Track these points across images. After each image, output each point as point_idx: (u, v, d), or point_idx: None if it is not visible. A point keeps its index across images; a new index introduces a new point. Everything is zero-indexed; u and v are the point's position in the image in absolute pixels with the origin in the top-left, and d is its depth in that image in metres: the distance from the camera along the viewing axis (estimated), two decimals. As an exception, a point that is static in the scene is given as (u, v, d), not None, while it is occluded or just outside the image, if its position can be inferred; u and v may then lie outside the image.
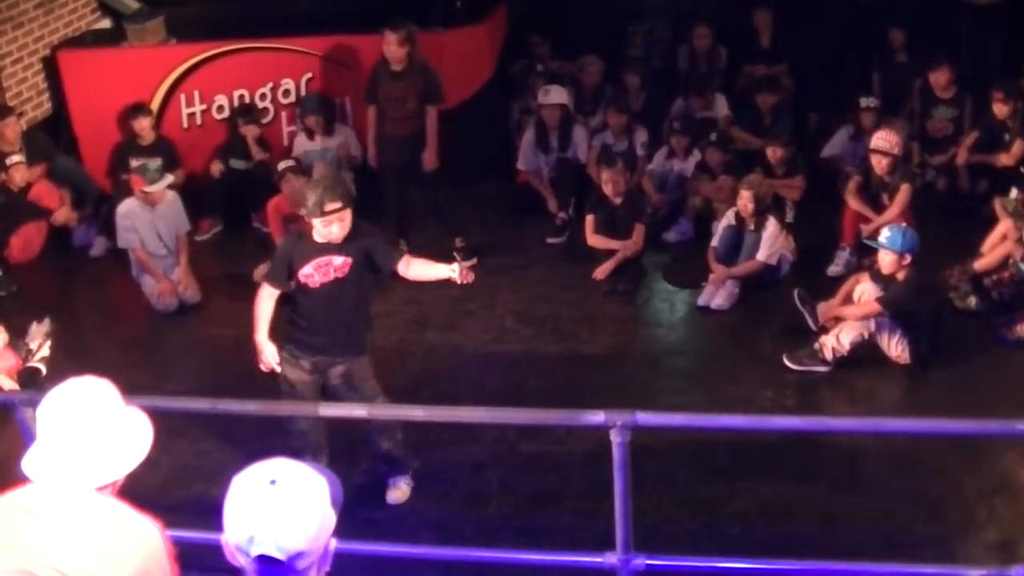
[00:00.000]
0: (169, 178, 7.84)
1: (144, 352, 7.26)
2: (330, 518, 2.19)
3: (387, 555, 4.77)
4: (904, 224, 6.70)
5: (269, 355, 5.24)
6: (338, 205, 4.90)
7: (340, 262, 5.06)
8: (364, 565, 4.51)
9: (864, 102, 8.53)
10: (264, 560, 2.13)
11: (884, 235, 6.43)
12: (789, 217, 8.06)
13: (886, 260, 6.41)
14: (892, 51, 9.52)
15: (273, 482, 2.14)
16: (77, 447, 2.67)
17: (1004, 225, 7.17)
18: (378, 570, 4.67)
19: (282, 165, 7.80)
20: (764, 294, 7.37)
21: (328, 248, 5.05)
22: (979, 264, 7.05)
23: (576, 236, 8.13)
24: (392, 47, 7.61)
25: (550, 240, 8.42)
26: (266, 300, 5.25)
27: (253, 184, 8.71)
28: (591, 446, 5.33)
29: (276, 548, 2.11)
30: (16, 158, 8.45)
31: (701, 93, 9.22)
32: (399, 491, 5.50)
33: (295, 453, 5.04)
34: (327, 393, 5.26)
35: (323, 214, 4.90)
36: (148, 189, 7.64)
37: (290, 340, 5.26)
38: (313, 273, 5.08)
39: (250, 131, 8.98)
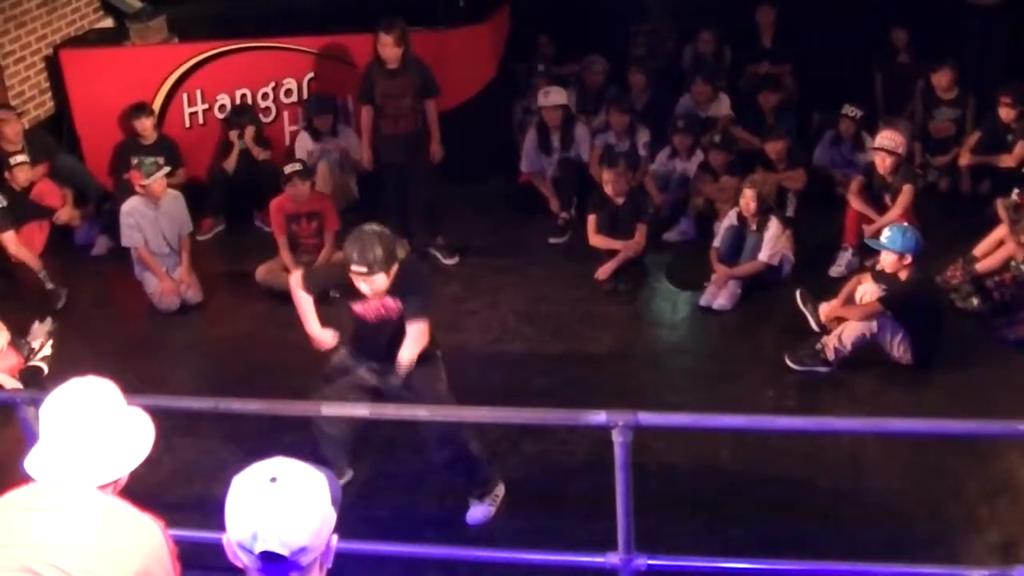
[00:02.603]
0: (165, 169, 7.82)
1: (146, 351, 7.26)
2: (331, 514, 2.21)
3: (388, 554, 4.78)
4: (906, 224, 6.70)
5: (327, 338, 5.23)
6: (363, 270, 4.76)
7: (391, 303, 5.00)
8: (365, 564, 4.52)
9: (846, 110, 8.55)
10: (268, 557, 2.13)
11: (884, 235, 6.43)
12: (790, 210, 8.06)
13: (887, 260, 6.40)
14: (895, 52, 9.53)
15: (274, 479, 2.15)
16: (79, 446, 2.68)
17: (1003, 229, 7.16)
18: (379, 569, 4.68)
19: (288, 169, 7.78)
20: (766, 294, 7.37)
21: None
22: (981, 266, 7.04)
23: (578, 236, 8.13)
24: (389, 48, 7.65)
25: (552, 240, 8.42)
26: (304, 295, 5.22)
27: (256, 183, 8.72)
28: (593, 446, 5.33)
29: (280, 544, 2.12)
30: (20, 158, 8.45)
31: (709, 81, 9.21)
32: (478, 510, 5.34)
33: (322, 461, 5.09)
34: (384, 397, 5.18)
35: (350, 271, 4.82)
36: (144, 182, 7.65)
37: (350, 342, 5.25)
38: (364, 312, 5.05)
39: (235, 135, 8.99)
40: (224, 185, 8.99)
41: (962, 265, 7.10)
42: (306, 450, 5.42)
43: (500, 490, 5.39)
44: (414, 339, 4.95)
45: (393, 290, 4.92)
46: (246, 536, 2.14)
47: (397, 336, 5.01)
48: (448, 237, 8.18)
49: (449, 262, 8.11)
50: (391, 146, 7.90)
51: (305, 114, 9.17)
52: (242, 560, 2.18)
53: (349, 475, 5.40)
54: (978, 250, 7.20)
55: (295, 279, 5.29)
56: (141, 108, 8.93)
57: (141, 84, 9.21)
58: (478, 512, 5.32)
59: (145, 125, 8.88)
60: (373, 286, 4.83)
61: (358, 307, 5.05)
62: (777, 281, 7.45)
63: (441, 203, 8.19)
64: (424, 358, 5.06)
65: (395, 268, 4.84)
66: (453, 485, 5.38)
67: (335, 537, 2.25)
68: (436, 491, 5.54)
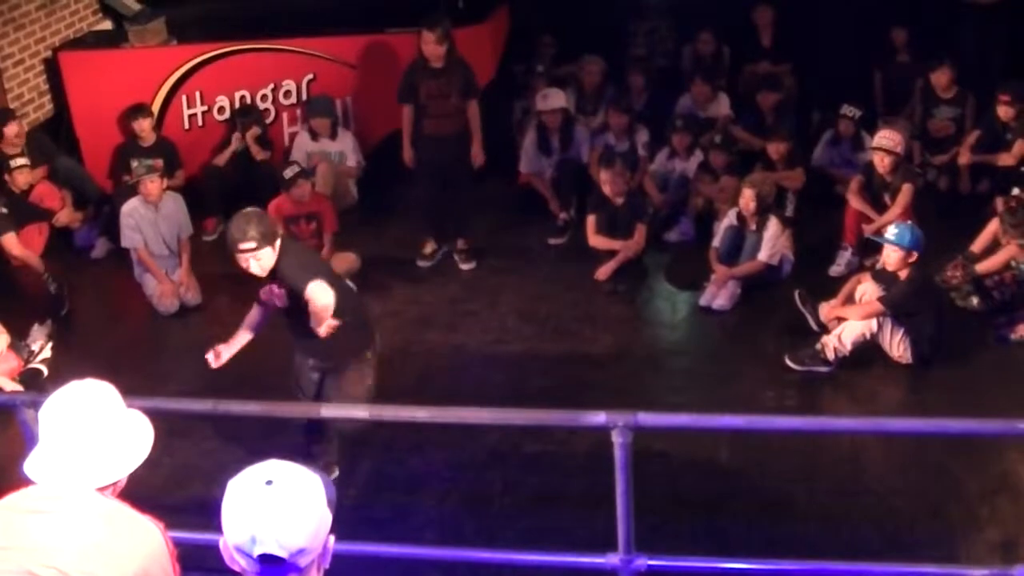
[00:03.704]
0: (156, 172, 7.81)
1: (145, 353, 7.26)
2: (327, 515, 2.21)
3: (388, 555, 4.78)
4: (909, 222, 6.70)
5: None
6: (251, 245, 4.90)
7: (277, 290, 5.11)
8: (365, 565, 4.52)
9: (845, 110, 8.55)
10: (266, 560, 2.14)
11: (892, 232, 6.43)
12: (789, 210, 8.07)
13: (892, 257, 6.39)
14: (894, 50, 9.52)
15: (269, 482, 2.16)
16: (79, 449, 2.68)
17: (996, 223, 7.16)
18: (379, 570, 4.68)
19: (289, 172, 7.75)
20: (766, 294, 7.36)
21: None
22: (982, 267, 7.04)
23: (578, 236, 8.13)
24: (431, 45, 7.56)
25: (552, 240, 8.42)
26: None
27: (256, 184, 8.72)
28: (592, 446, 5.33)
29: (278, 546, 2.12)
30: (21, 161, 8.45)
31: (708, 80, 9.21)
32: None
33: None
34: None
35: (237, 251, 4.94)
36: (131, 180, 7.67)
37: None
38: (263, 298, 5.20)
39: (237, 137, 9.00)
40: (218, 181, 8.97)
41: (962, 265, 7.10)
42: (305, 451, 5.44)
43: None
44: (314, 315, 5.04)
45: (278, 275, 5.02)
46: (244, 539, 2.14)
47: (302, 322, 5.12)
48: (470, 241, 8.14)
49: (466, 267, 8.05)
50: (432, 145, 7.80)
51: (304, 116, 9.17)
52: (240, 564, 2.19)
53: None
54: (975, 246, 7.21)
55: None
56: (139, 109, 8.93)
57: (140, 86, 9.21)
58: None
59: (143, 126, 8.89)
60: (261, 262, 4.93)
61: (263, 294, 5.19)
62: (777, 281, 7.45)
63: (472, 206, 8.17)
64: (338, 363, 5.27)
65: (278, 244, 4.96)
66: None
67: (332, 538, 2.25)
68: (436, 491, 5.55)
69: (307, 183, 7.75)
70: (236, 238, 4.91)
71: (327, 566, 2.27)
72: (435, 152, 7.81)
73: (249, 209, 5.04)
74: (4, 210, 7.89)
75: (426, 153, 7.86)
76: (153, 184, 7.68)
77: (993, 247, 7.11)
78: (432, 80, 7.66)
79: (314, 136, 8.98)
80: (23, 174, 8.43)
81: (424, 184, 8.02)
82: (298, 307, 5.07)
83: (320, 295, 4.98)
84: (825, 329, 6.63)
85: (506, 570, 4.83)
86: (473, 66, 7.91)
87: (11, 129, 8.58)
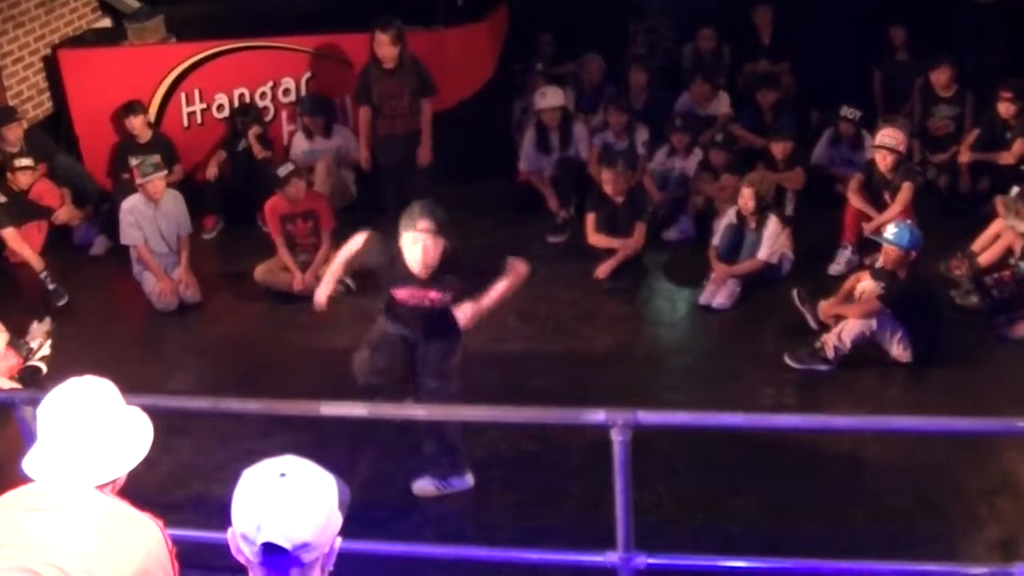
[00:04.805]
0: (164, 171, 7.80)
1: (145, 351, 7.25)
2: (337, 516, 2.21)
3: (388, 554, 4.77)
4: (909, 221, 6.70)
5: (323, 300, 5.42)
6: (431, 226, 4.92)
7: (435, 295, 5.13)
8: (365, 564, 4.51)
9: (845, 112, 8.54)
10: (269, 548, 2.13)
11: (891, 231, 6.43)
12: (789, 209, 8.06)
13: (891, 256, 6.40)
14: (893, 49, 9.52)
15: (283, 475, 2.16)
16: (78, 446, 2.67)
17: (999, 224, 7.17)
18: (379, 569, 4.67)
19: (283, 171, 7.71)
20: (765, 293, 7.36)
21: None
22: (983, 258, 7.04)
23: (577, 235, 8.12)
24: (385, 47, 7.64)
25: (551, 239, 8.41)
26: (351, 252, 5.38)
27: (256, 182, 8.72)
28: (592, 445, 5.32)
29: (283, 537, 2.12)
30: (25, 162, 8.44)
31: (709, 79, 9.20)
32: (424, 488, 5.51)
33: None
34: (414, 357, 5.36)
35: (408, 237, 4.95)
36: (140, 181, 7.66)
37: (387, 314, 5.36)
38: (406, 298, 5.16)
39: (253, 131, 8.99)
40: (218, 179, 8.97)
41: (964, 258, 7.10)
42: (304, 450, 5.42)
43: (463, 483, 5.48)
44: (470, 309, 5.14)
45: (440, 279, 5.02)
46: (250, 527, 2.14)
47: (432, 318, 5.16)
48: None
49: None
50: (389, 146, 7.89)
51: (298, 114, 9.16)
52: (245, 553, 2.18)
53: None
54: (976, 245, 7.21)
55: (362, 237, 5.35)
56: (131, 107, 8.91)
57: (139, 84, 9.21)
58: (424, 484, 5.46)
59: (135, 123, 8.87)
60: (432, 249, 4.90)
61: (401, 293, 5.14)
62: (776, 279, 7.45)
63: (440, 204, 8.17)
64: (458, 335, 5.25)
65: (446, 242, 4.96)
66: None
67: (339, 540, 2.24)
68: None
69: (301, 182, 7.73)
70: (416, 215, 4.92)
71: (331, 568, 2.27)
72: (391, 153, 7.88)
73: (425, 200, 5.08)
74: (3, 199, 7.87)
75: (383, 154, 7.94)
76: (159, 183, 7.68)
77: (994, 246, 7.12)
78: (384, 81, 7.74)
79: (308, 134, 8.98)
80: (26, 175, 8.42)
81: (386, 185, 8.07)
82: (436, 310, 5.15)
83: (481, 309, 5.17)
84: (824, 327, 6.63)
85: (506, 569, 4.82)
86: (472, 64, 7.92)
87: (12, 129, 8.56)
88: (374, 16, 7.83)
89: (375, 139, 7.94)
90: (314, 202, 7.86)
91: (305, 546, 2.14)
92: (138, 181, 7.68)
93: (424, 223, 4.89)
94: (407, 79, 7.74)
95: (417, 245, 4.92)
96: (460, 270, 5.11)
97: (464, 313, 5.17)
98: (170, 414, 5.25)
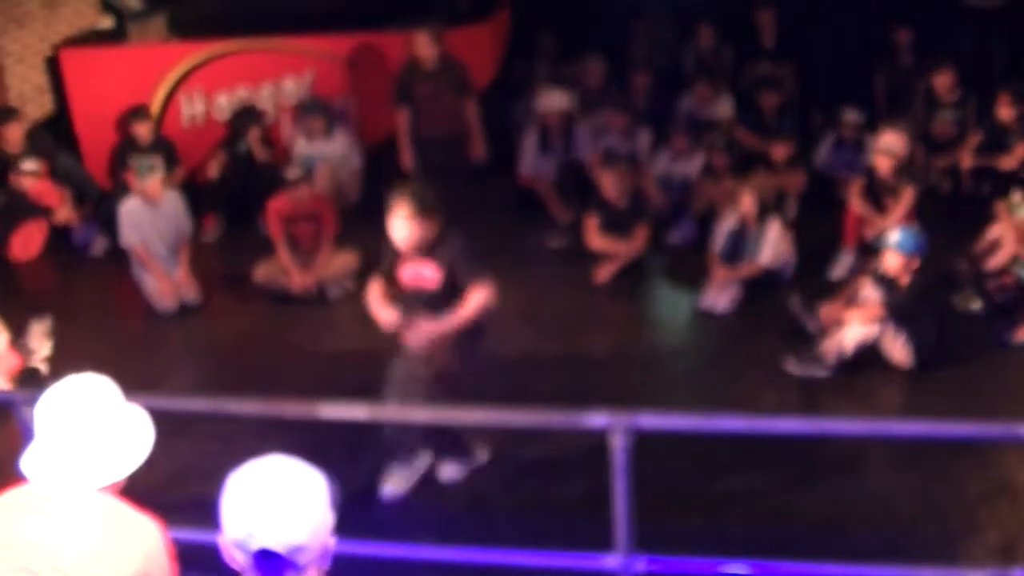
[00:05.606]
0: (159, 174, 7.80)
1: (144, 352, 7.24)
2: (328, 515, 2.20)
3: (388, 556, 4.76)
4: (913, 226, 6.69)
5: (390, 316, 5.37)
6: (409, 210, 4.98)
7: (429, 272, 5.13)
8: (364, 565, 4.50)
9: (847, 117, 8.53)
10: (264, 555, 2.12)
11: (895, 237, 6.41)
12: (790, 213, 8.05)
13: (893, 262, 6.38)
14: (896, 53, 9.52)
15: (271, 478, 2.15)
16: (77, 445, 2.66)
17: (1000, 228, 7.16)
18: (379, 570, 4.66)
19: (292, 175, 7.73)
20: (766, 296, 7.35)
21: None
22: (990, 264, 7.03)
23: (578, 237, 8.11)
24: (425, 47, 7.61)
25: (552, 242, 8.41)
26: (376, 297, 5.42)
27: (257, 184, 8.72)
28: (592, 447, 5.30)
29: (276, 541, 2.11)
30: (32, 166, 8.42)
31: (710, 82, 9.20)
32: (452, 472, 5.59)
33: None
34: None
35: (393, 213, 5.01)
36: (136, 183, 7.65)
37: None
38: (408, 281, 5.20)
39: (253, 133, 8.99)
40: (220, 185, 8.97)
41: (968, 260, 7.10)
42: (304, 451, 5.41)
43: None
44: (471, 303, 5.11)
45: (434, 254, 5.02)
46: (242, 534, 2.13)
47: (434, 309, 5.14)
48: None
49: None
50: (430, 147, 7.85)
51: (298, 115, 9.16)
52: (238, 560, 2.17)
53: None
54: (976, 249, 7.20)
55: (374, 292, 5.35)
56: (137, 112, 8.91)
57: (141, 84, 9.21)
58: (451, 468, 5.54)
59: (141, 130, 8.87)
60: (416, 231, 4.94)
61: (403, 275, 5.17)
62: (778, 283, 7.44)
63: (468, 206, 8.17)
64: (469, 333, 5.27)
65: (437, 221, 4.98)
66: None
67: (332, 539, 2.23)
68: (437, 491, 5.53)
69: (307, 184, 7.74)
70: (400, 192, 4.98)
71: (326, 568, 2.26)
72: (432, 153, 7.83)
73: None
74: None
75: (423, 155, 7.87)
76: (154, 184, 7.66)
77: (995, 250, 7.10)
78: (425, 82, 7.70)
79: (309, 136, 8.97)
80: (29, 179, 8.40)
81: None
82: (448, 293, 5.13)
83: (486, 298, 5.14)
84: (824, 332, 6.62)
85: (505, 571, 4.81)
86: (474, 66, 7.92)
87: (13, 129, 8.56)
88: (376, 17, 7.83)
89: (416, 140, 7.90)
90: (318, 205, 7.86)
91: (299, 549, 2.14)
92: (135, 184, 7.67)
93: (403, 208, 4.95)
94: (448, 79, 7.70)
95: (399, 224, 4.99)
96: (455, 248, 5.13)
97: (418, 329, 5.14)
98: (170, 415, 5.20)
